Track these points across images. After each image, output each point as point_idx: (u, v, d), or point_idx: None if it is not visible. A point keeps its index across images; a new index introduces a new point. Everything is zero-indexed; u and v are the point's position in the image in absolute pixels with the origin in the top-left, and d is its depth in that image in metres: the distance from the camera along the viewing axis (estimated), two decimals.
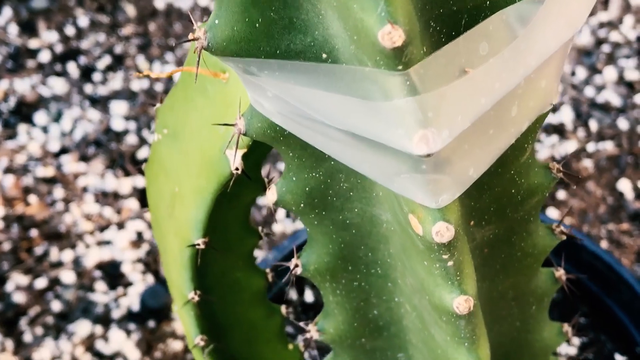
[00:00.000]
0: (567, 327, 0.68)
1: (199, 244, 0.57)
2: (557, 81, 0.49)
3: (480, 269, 0.58)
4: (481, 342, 0.53)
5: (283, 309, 0.70)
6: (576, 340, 0.92)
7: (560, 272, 0.64)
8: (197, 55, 0.44)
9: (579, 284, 0.91)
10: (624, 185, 1.38)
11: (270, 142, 0.49)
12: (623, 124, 1.44)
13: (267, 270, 0.67)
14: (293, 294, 0.96)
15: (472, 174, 0.45)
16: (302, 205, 0.52)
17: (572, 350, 0.91)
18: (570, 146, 1.42)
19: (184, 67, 0.52)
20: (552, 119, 1.45)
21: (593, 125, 1.46)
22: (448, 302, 0.49)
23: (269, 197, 0.52)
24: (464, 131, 0.42)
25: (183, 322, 0.64)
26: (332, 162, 0.50)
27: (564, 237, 0.59)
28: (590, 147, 1.42)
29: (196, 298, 0.60)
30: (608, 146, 1.44)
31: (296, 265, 0.56)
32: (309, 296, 0.95)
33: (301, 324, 0.61)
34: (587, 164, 1.41)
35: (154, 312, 1.26)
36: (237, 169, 0.52)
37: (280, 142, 0.49)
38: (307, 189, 0.51)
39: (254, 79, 0.44)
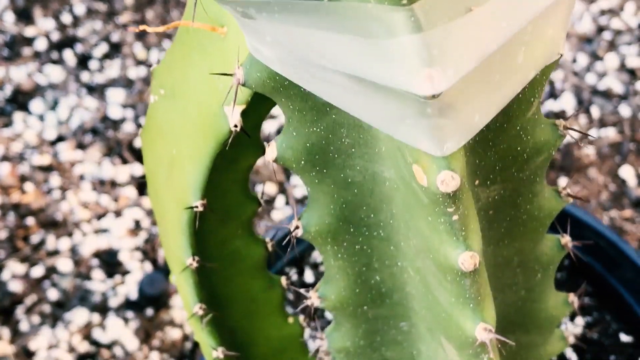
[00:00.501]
0: (572, 297, 0.66)
1: (197, 207, 0.55)
2: (564, 32, 0.48)
3: (485, 232, 0.57)
4: (487, 304, 0.52)
5: (283, 280, 0.68)
6: (580, 320, 0.90)
7: (566, 239, 0.62)
8: (194, 8, 0.43)
9: (583, 264, 0.90)
10: (626, 172, 1.37)
11: (270, 94, 0.48)
12: (625, 110, 1.43)
13: (267, 240, 0.66)
14: (293, 275, 0.95)
15: (478, 121, 0.44)
16: (302, 162, 0.51)
17: (577, 330, 0.89)
18: (571, 133, 1.40)
19: (182, 21, 0.51)
20: (553, 105, 1.44)
21: (595, 112, 1.44)
22: (453, 258, 0.48)
23: (269, 155, 0.51)
24: (470, 74, 0.41)
25: (181, 291, 0.63)
26: (334, 116, 0.49)
27: (570, 200, 0.58)
28: (592, 134, 1.41)
29: (194, 264, 0.59)
30: (610, 133, 1.43)
31: (297, 227, 0.55)
32: (309, 276, 0.94)
33: (302, 290, 0.60)
34: (589, 151, 1.40)
35: (152, 300, 1.25)
36: (235, 126, 0.51)
37: (281, 94, 0.48)
38: (307, 144, 0.50)
39: (252, 23, 0.43)
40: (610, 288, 0.92)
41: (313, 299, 0.59)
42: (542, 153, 0.53)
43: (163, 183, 0.59)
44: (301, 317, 0.71)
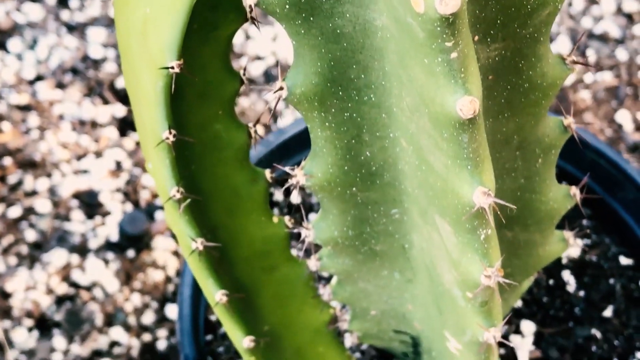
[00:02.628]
0: (575, 190, 0.62)
1: (172, 67, 0.51)
2: None
3: (484, 102, 0.53)
4: (485, 165, 0.48)
5: (267, 173, 0.64)
6: (579, 242, 0.86)
7: (569, 120, 0.58)
8: None
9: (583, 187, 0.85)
10: (623, 117, 1.33)
11: None
12: (622, 54, 1.39)
13: (250, 125, 0.61)
14: (279, 195, 0.90)
15: None
16: (287, 6, 0.47)
17: (575, 252, 0.85)
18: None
19: None
20: None
21: (591, 55, 1.40)
22: (450, 105, 0.44)
23: None
24: None
25: (156, 176, 0.58)
26: None
27: (575, 69, 0.54)
28: (588, 78, 1.37)
29: (171, 138, 0.54)
30: (606, 77, 1.39)
31: (281, 88, 0.50)
32: (296, 198, 0.89)
33: (287, 169, 0.56)
34: (585, 95, 1.36)
35: (133, 240, 1.20)
36: None
37: None
38: None
39: None
40: (610, 210, 0.88)
41: (299, 177, 0.55)
42: (547, 5, 0.49)
43: (136, 51, 0.55)
44: (286, 218, 0.66)
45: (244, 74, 0.58)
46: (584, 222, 0.88)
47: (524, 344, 0.81)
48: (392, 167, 0.55)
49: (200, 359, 0.74)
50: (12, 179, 1.25)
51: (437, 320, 0.62)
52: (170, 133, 0.54)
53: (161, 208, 1.25)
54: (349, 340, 0.78)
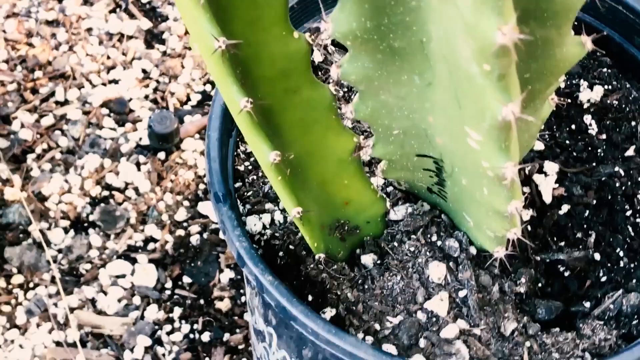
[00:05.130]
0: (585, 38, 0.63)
1: None
2: None
3: None
4: None
5: None
6: (599, 89, 0.87)
7: None
8: None
9: (601, 37, 0.86)
10: None
11: None
12: None
13: None
14: None
15: None
16: None
17: (596, 96, 0.86)
18: None
19: None
20: None
21: None
22: None
23: None
24: None
25: None
26: None
27: None
28: None
29: None
30: None
31: None
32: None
33: None
34: None
35: (162, 140, 1.22)
36: None
37: None
38: None
39: None
40: (629, 57, 0.89)
41: None
42: None
43: None
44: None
45: None
46: (604, 70, 0.89)
47: (547, 182, 0.82)
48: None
49: (229, 197, 0.75)
50: (43, 90, 1.28)
51: (457, 119, 0.63)
52: None
53: (189, 113, 1.27)
54: (373, 182, 0.80)
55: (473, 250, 0.74)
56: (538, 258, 0.78)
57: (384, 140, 0.73)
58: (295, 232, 0.76)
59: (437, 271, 0.72)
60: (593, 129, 0.85)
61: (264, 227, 0.77)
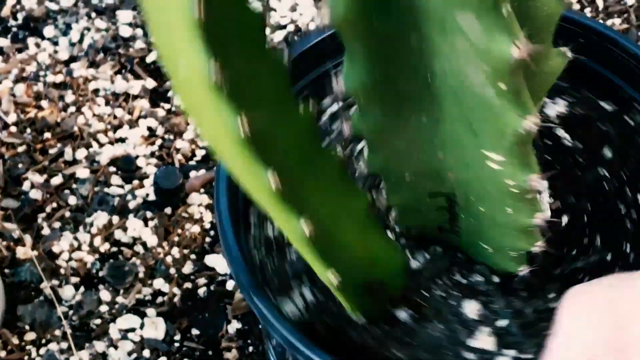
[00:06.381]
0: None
1: None
2: None
3: None
4: None
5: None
6: (562, 102, 0.90)
7: None
8: None
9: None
10: None
11: None
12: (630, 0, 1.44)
13: None
14: None
15: None
16: None
17: (562, 109, 0.89)
18: None
19: None
20: None
21: (599, 2, 1.45)
22: None
23: None
24: None
25: None
26: None
27: None
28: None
29: None
30: (616, 22, 1.43)
31: None
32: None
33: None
34: None
35: (169, 195, 1.26)
36: None
37: None
38: None
39: None
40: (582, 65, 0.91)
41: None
42: None
43: None
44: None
45: None
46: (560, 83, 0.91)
47: (542, 199, 0.84)
48: None
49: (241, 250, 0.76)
50: (52, 151, 1.32)
51: (473, 146, 0.64)
52: None
53: (194, 168, 1.31)
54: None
55: (496, 279, 0.77)
56: (557, 271, 0.80)
57: (396, 189, 0.76)
58: (328, 306, 0.77)
59: (472, 308, 0.75)
60: (568, 140, 0.88)
61: (296, 307, 0.78)
